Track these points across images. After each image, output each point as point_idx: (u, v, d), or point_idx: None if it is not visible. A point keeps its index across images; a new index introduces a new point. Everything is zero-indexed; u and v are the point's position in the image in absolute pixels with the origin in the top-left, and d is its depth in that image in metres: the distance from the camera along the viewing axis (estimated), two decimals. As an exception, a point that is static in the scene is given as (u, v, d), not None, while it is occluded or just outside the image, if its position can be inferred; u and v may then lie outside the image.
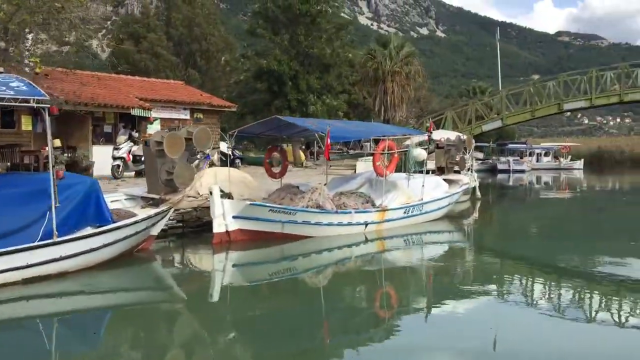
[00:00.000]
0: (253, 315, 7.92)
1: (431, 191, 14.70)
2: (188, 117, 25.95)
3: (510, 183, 42.42)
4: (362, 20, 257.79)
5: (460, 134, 18.43)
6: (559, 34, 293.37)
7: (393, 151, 13.14)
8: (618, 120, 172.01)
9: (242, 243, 11.71)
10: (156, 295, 9.00)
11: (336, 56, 31.53)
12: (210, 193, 11.15)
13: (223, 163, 28.13)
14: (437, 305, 8.40)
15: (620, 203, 26.77)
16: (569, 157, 57.38)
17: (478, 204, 21.97)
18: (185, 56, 53.78)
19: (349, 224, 12.53)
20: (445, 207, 15.49)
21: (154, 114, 21.23)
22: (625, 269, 10.87)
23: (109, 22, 34.56)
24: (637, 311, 8.02)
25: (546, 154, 54.69)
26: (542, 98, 24.89)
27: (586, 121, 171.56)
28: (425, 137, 16.31)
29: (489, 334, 6.78)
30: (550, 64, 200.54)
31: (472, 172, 23.44)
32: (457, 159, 17.70)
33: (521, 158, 51.71)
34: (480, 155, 53.09)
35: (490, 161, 50.83)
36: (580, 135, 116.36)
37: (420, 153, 13.74)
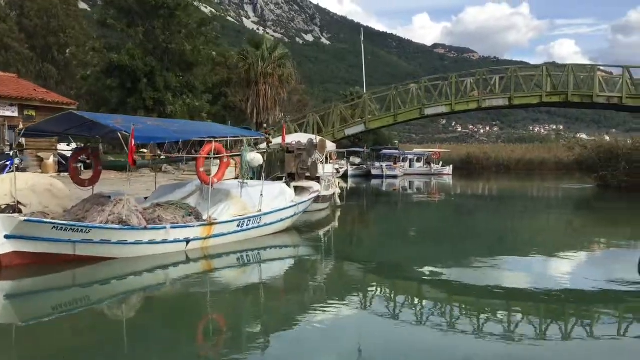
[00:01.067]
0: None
1: (273, 201, 13.02)
2: (16, 114, 22.50)
3: (384, 188, 42.80)
4: (248, 24, 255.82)
5: (314, 137, 17.04)
6: (435, 46, 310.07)
7: (221, 155, 11.27)
8: (487, 128, 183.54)
9: (19, 269, 9.28)
10: None
11: (197, 53, 29.20)
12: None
13: (63, 167, 24.71)
14: (279, 327, 7.27)
15: (481, 208, 27.11)
16: (440, 162, 59.16)
17: (339, 212, 20.78)
18: (41, 50, 48.62)
19: (164, 241, 10.48)
20: (290, 218, 13.89)
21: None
22: (484, 275, 10.57)
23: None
24: (497, 317, 7.90)
25: (418, 160, 55.87)
26: (406, 103, 24.45)
27: (460, 129, 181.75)
28: (278, 140, 14.73)
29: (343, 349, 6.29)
30: (428, 74, 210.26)
31: (334, 177, 22.27)
32: (309, 164, 16.22)
33: (395, 164, 52.28)
34: (358, 160, 53.25)
35: (365, 166, 50.92)
36: (454, 142, 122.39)
37: (254, 158, 12.01)
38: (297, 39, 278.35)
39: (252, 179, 12.74)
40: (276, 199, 13.20)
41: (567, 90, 24.37)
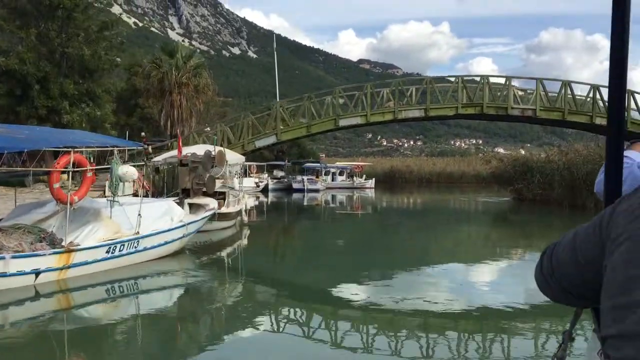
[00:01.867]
0: None
1: (155, 221, 11.25)
2: None
3: (305, 202, 41.72)
4: (173, 35, 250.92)
5: (212, 148, 15.33)
6: (360, 61, 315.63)
7: (83, 169, 9.45)
8: (412, 142, 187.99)
9: None
10: None
11: (98, 59, 26.80)
12: None
13: None
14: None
15: (402, 222, 26.50)
16: (364, 176, 58.71)
17: (248, 230, 19.17)
18: None
19: (3, 275, 8.51)
20: (178, 240, 12.15)
21: None
22: (401, 291, 10.15)
23: None
24: (414, 335, 7.51)
25: (341, 173, 55.12)
26: (321, 114, 23.28)
27: (385, 143, 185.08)
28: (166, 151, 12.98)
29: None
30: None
31: (241, 192, 20.67)
32: (206, 178, 14.48)
33: (317, 177, 51.23)
34: (282, 173, 51.75)
35: (286, 180, 49.57)
36: (379, 155, 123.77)
37: (127, 172, 10.26)
38: (224, 52, 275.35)
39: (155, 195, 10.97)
40: (160, 219, 11.44)
41: (482, 102, 24.05)
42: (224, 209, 15.99)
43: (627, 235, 0.86)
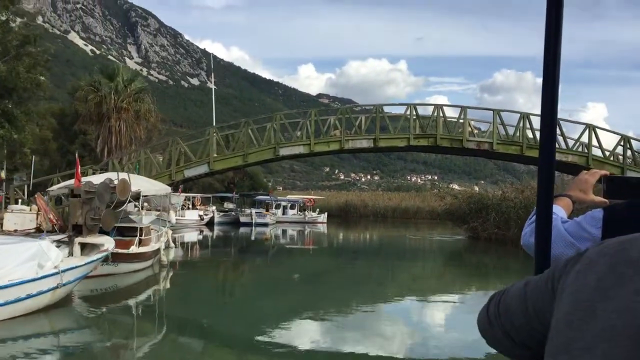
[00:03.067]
0: None
1: (15, 269, 8.67)
2: None
3: (253, 237, 39.62)
4: (131, 64, 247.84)
5: (115, 176, 12.76)
6: (319, 95, 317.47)
7: None
8: (369, 177, 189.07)
9: None
10: None
11: (16, 76, 23.99)
12: None
13: None
14: None
15: (353, 260, 24.57)
16: (317, 210, 56.78)
17: (167, 272, 16.55)
18: None
19: None
20: (50, 292, 9.55)
21: None
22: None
23: None
24: None
25: (292, 207, 52.92)
26: (261, 142, 21.02)
27: (342, 177, 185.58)
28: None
29: None
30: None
31: (165, 229, 18.12)
32: (102, 213, 11.83)
33: (267, 210, 48.94)
34: (232, 206, 49.12)
35: (233, 213, 47.12)
36: (336, 189, 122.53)
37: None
38: (183, 82, 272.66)
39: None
40: (22, 265, 8.87)
41: (435, 133, 22.22)
42: (133, 249, 13.45)
43: (570, 289, 0.89)
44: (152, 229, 16.29)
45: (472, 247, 30.65)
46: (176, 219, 40.26)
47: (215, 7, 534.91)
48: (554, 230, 1.26)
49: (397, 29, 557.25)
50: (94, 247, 11.29)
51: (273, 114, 21.87)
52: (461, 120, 21.99)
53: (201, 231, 41.34)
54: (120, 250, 12.90)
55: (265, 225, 45.78)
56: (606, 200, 1.75)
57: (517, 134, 21.81)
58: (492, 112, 22.07)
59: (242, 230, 43.03)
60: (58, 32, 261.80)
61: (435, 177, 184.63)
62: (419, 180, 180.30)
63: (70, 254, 10.71)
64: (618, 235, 0.92)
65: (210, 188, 59.86)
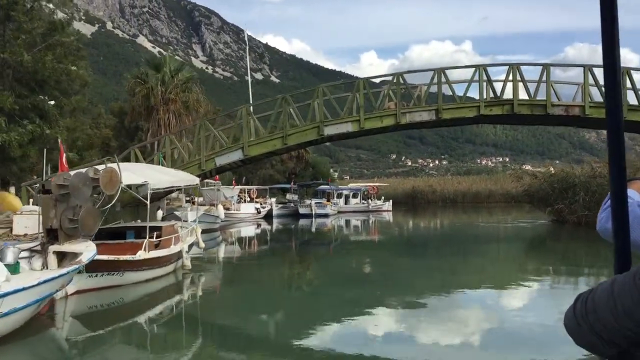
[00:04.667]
0: None
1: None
2: None
3: (313, 229, 37.36)
4: (197, 63, 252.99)
5: (101, 167, 10.08)
6: (383, 82, 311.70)
7: None
8: (437, 162, 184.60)
9: None
10: None
11: (42, 67, 22.39)
12: None
13: None
14: None
15: (421, 256, 21.45)
16: (382, 197, 53.67)
17: (195, 279, 13.99)
18: None
19: None
20: (13, 314, 7.10)
21: None
22: None
23: None
24: None
25: (354, 196, 49.92)
26: (304, 121, 18.08)
27: (410, 163, 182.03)
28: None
29: None
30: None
31: (194, 226, 15.65)
32: (82, 213, 9.11)
33: (328, 200, 46.26)
34: (294, 197, 46.73)
35: (293, 205, 44.73)
36: (403, 176, 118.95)
37: None
38: (247, 77, 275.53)
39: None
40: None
41: (512, 99, 18.34)
42: (141, 254, 10.96)
43: None
44: (177, 227, 13.90)
45: (557, 233, 26.73)
46: (230, 214, 38.35)
47: (275, 1, 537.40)
48: (631, 215, 1.22)
49: (460, 10, 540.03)
50: (75, 256, 8.89)
51: (315, 87, 18.92)
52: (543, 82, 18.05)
53: (259, 225, 39.26)
54: (123, 257, 10.50)
55: (326, 216, 43.19)
56: None
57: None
58: (582, 68, 17.82)
59: (302, 222, 40.67)
60: (127, 37, 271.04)
61: (507, 159, 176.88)
62: (489, 162, 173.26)
63: (45, 266, 8.39)
64: None
65: (271, 179, 57.92)
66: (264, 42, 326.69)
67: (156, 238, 12.56)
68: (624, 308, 0.96)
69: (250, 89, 35.24)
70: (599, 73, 16.90)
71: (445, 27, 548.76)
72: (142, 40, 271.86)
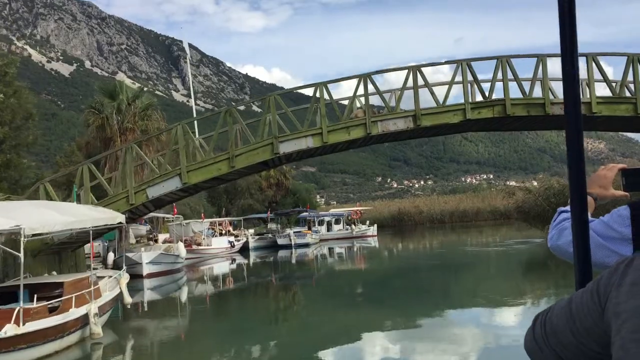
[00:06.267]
0: None
1: None
2: None
3: (293, 261, 34.70)
4: (177, 97, 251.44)
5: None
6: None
7: None
8: (422, 182, 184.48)
9: None
10: None
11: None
12: None
13: None
14: None
15: (412, 284, 18.60)
16: (367, 222, 50.74)
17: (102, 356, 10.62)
18: None
19: None
20: None
21: None
22: None
23: None
24: None
25: (337, 222, 46.86)
26: (259, 139, 14.95)
27: (395, 185, 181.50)
28: None
29: None
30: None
31: (118, 275, 12.42)
32: None
33: (309, 228, 43.22)
34: (275, 226, 43.45)
35: (270, 235, 41.60)
36: (389, 198, 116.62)
37: None
38: (190, 101, 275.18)
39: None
40: None
41: (503, 98, 15.25)
42: (8, 329, 7.70)
43: (631, 312, 0.88)
44: (91, 280, 10.68)
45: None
46: (200, 249, 35.19)
47: (253, 32, 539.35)
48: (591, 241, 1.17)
49: (434, 32, 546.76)
50: None
51: (266, 96, 15.84)
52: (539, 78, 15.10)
53: (233, 260, 36.17)
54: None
55: (307, 245, 40.20)
56: (627, 193, 1.72)
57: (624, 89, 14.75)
58: (585, 58, 14.78)
59: (281, 253, 37.77)
60: (106, 74, 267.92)
61: (491, 176, 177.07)
62: (473, 180, 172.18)
63: None
64: None
65: (251, 209, 54.85)
66: (244, 72, 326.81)
67: (55, 298, 9.38)
68: (584, 327, 0.93)
69: (194, 107, 32.20)
70: (604, 64, 14.42)
71: (422, 49, 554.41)
72: (121, 76, 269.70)
